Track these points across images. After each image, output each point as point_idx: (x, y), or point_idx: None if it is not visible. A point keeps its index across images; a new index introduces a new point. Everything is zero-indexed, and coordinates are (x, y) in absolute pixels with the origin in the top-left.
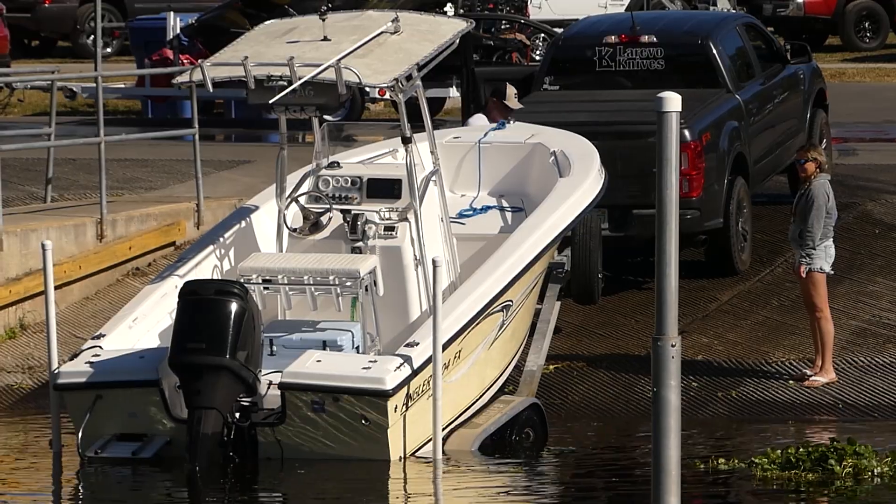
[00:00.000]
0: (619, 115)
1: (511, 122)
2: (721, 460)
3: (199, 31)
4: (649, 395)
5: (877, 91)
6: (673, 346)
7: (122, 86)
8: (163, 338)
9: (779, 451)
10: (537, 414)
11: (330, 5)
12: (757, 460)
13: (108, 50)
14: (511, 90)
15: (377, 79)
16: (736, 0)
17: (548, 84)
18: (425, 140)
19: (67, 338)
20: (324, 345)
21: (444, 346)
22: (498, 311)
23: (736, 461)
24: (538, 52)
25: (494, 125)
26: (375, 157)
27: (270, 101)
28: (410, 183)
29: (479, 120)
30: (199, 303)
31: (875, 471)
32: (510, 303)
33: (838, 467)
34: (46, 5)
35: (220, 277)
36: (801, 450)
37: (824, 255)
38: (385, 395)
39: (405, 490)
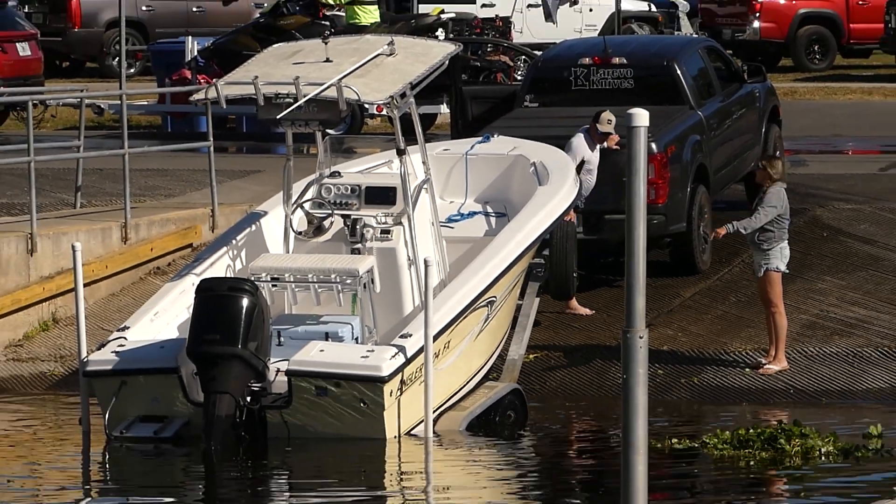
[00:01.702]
0: None
1: (496, 136)
2: (675, 440)
3: (215, 54)
4: (619, 381)
5: (825, 108)
6: (641, 337)
7: (145, 103)
8: (181, 330)
9: (728, 432)
10: (518, 398)
11: (332, 31)
12: (707, 440)
13: (132, 70)
14: (605, 115)
15: (375, 96)
16: (698, 25)
17: (528, 101)
18: (418, 152)
19: (95, 330)
20: (326, 336)
21: (435, 338)
22: (483, 306)
23: (687, 441)
24: (520, 73)
25: (480, 138)
26: (373, 167)
27: (278, 117)
28: (404, 190)
29: (578, 139)
30: (213, 298)
31: (822, 450)
32: (494, 298)
33: (788, 446)
34: (76, 30)
35: (232, 276)
36: (751, 430)
37: (780, 256)
38: (381, 381)
39: (400, 465)
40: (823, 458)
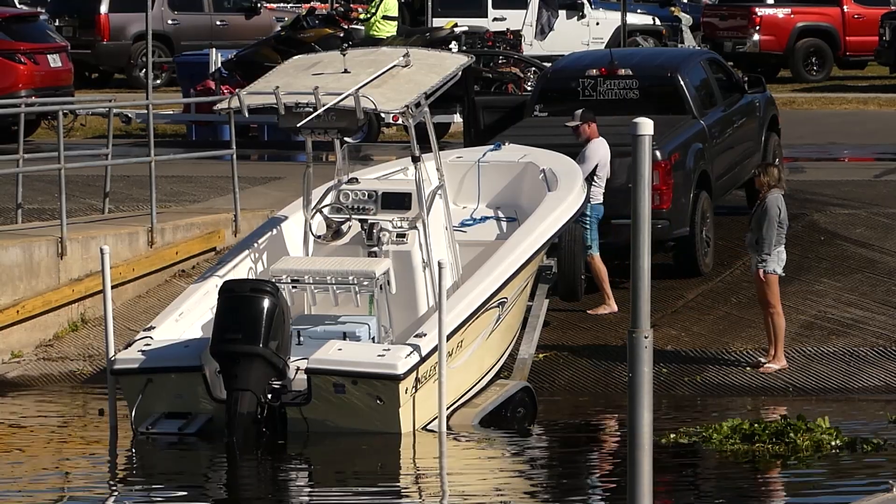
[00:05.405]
0: None
1: (507, 144)
2: (673, 435)
3: (238, 65)
4: (625, 380)
5: (822, 117)
6: (646, 337)
7: (171, 112)
8: (205, 330)
9: (726, 427)
10: (528, 395)
11: (350, 43)
12: (706, 433)
13: (158, 81)
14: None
15: (391, 106)
16: (700, 38)
17: (538, 111)
18: (432, 159)
19: (122, 330)
20: (344, 336)
21: (449, 337)
22: (495, 307)
23: (685, 436)
24: (530, 84)
25: (491, 146)
26: (389, 173)
27: (298, 125)
28: (419, 196)
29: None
30: (236, 299)
31: (831, 444)
32: (505, 300)
33: (799, 440)
34: (105, 43)
35: (254, 278)
36: (755, 425)
37: (777, 260)
38: (397, 379)
39: (414, 458)
40: (835, 451)
